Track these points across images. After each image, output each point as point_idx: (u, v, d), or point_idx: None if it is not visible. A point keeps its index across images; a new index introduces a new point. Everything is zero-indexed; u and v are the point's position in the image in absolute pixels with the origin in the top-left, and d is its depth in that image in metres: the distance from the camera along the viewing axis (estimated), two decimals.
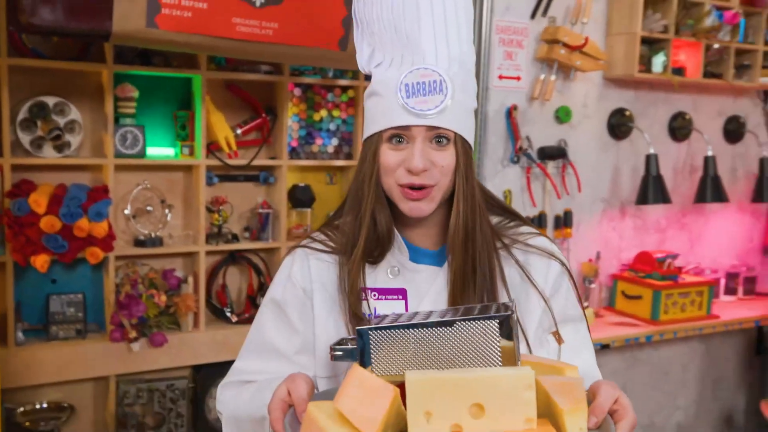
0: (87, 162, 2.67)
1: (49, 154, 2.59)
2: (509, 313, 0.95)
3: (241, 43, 2.14)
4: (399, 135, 1.12)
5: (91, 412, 2.82)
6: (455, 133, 1.12)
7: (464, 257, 1.15)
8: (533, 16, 2.55)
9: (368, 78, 1.19)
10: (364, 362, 0.99)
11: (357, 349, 1.00)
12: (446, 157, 1.12)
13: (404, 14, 1.11)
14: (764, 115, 3.24)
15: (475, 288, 1.16)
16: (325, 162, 3.08)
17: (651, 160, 2.76)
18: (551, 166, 2.66)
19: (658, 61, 2.68)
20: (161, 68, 2.73)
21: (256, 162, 2.95)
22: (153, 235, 2.82)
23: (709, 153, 2.93)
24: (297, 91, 3.00)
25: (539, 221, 2.68)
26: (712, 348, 3.38)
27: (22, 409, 2.65)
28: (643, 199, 2.82)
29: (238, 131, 2.95)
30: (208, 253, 2.92)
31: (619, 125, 2.83)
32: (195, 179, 2.86)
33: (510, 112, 2.54)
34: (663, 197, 2.79)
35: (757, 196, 3.11)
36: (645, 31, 2.62)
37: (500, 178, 2.62)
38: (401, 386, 0.90)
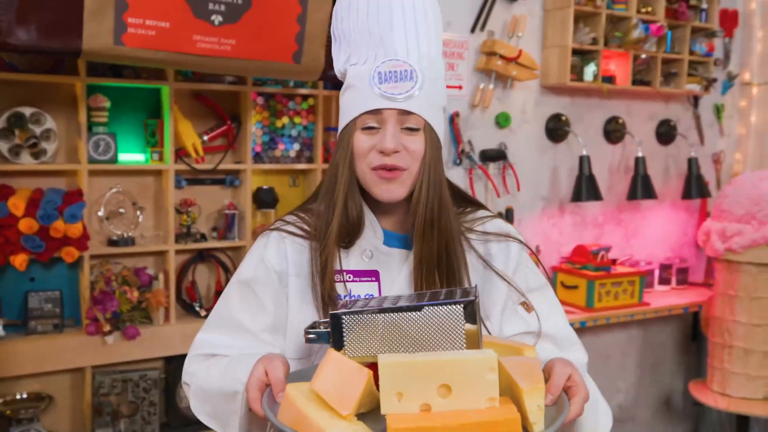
0: (62, 168, 2.86)
1: (26, 161, 2.78)
2: (473, 298, 1.00)
3: (202, 58, 2.35)
4: (371, 120, 1.18)
5: (68, 402, 3.01)
6: (425, 122, 1.17)
7: (429, 243, 1.19)
8: (473, 30, 2.79)
9: (336, 86, 1.39)
10: (337, 345, 1.04)
11: (330, 332, 1.04)
12: (416, 142, 1.17)
13: (378, 18, 1.19)
14: (694, 119, 3.50)
15: (439, 273, 1.20)
16: (287, 166, 3.29)
17: (584, 161, 3.01)
18: (492, 168, 2.89)
19: (589, 71, 2.92)
20: (131, 80, 2.93)
21: (222, 166, 3.16)
22: (125, 235, 3.02)
23: (639, 154, 3.19)
24: (260, 100, 3.21)
25: None
26: (650, 335, 3.63)
27: (2, 399, 2.83)
28: (577, 196, 3.06)
29: (205, 138, 3.15)
30: (178, 251, 3.12)
31: (556, 129, 3.08)
32: (164, 183, 3.06)
33: (453, 119, 2.77)
34: (595, 195, 3.04)
35: (687, 194, 3.37)
36: (576, 43, 2.86)
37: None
38: (372, 366, 0.96)
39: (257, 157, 3.24)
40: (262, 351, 1.16)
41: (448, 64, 2.71)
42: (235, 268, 3.25)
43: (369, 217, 1.26)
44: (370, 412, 0.98)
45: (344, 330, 1.02)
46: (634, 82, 3.08)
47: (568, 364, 1.04)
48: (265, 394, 1.02)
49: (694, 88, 3.27)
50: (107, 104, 2.90)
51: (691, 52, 3.23)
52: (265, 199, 3.28)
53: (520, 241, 1.31)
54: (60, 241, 2.75)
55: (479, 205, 1.35)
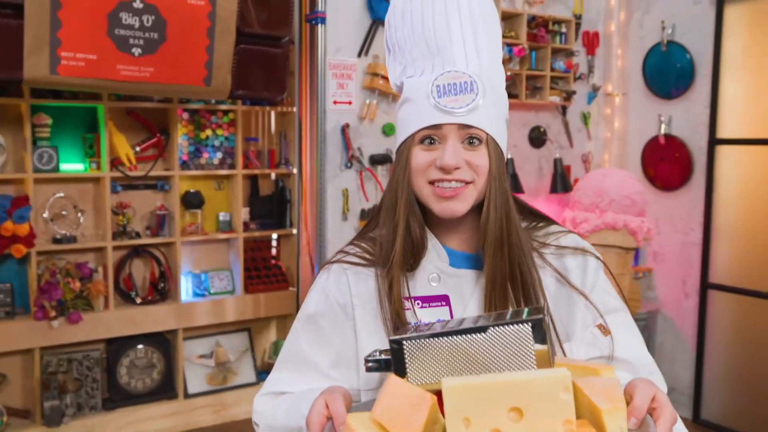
0: (10, 177, 3.32)
1: None
2: (541, 316, 0.93)
3: (125, 83, 2.85)
4: (431, 136, 1.10)
5: (20, 379, 3.46)
6: (487, 135, 1.10)
7: (500, 262, 1.12)
8: (359, 55, 3.32)
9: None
10: (399, 372, 0.97)
11: (391, 359, 0.98)
12: (479, 157, 1.10)
13: (434, 28, 1.13)
14: (563, 125, 4.08)
15: (514, 294, 1.13)
16: (211, 172, 3.79)
17: None
18: (380, 170, 3.42)
19: None
20: (70, 100, 3.40)
21: (153, 173, 3.64)
22: (68, 234, 3.48)
23: (508, 156, 3.75)
24: (185, 115, 3.71)
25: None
26: None
27: None
28: None
29: (137, 148, 3.64)
30: (115, 248, 3.59)
31: None
32: (102, 188, 3.54)
33: (344, 129, 3.29)
34: None
35: (553, 189, 3.95)
36: None
37: (339, 180, 3.37)
38: (438, 394, 0.89)
39: (184, 165, 3.73)
40: (327, 386, 1.10)
41: (338, 84, 3.23)
42: (167, 262, 3.75)
43: (431, 238, 1.18)
44: None
45: (406, 356, 0.97)
46: None
47: (651, 385, 0.95)
48: (326, 427, 0.97)
49: (556, 99, 3.85)
50: (49, 121, 3.37)
51: (553, 69, 3.81)
52: (192, 201, 3.78)
53: (597, 257, 1.21)
54: (9, 239, 3.21)
55: (550, 220, 1.26)
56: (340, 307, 1.18)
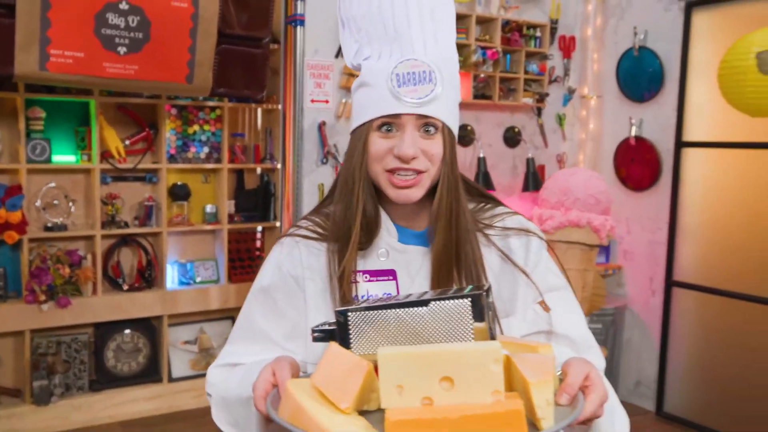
0: (5, 167, 3.50)
1: None
2: (480, 292, 0.95)
3: (111, 80, 3.02)
4: (389, 123, 1.12)
5: (11, 360, 3.64)
6: (443, 123, 1.13)
7: (447, 242, 1.16)
8: (337, 56, 3.48)
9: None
10: (344, 343, 1.00)
11: (336, 330, 1.01)
12: (434, 146, 1.12)
13: (393, 10, 1.13)
14: (538, 126, 4.23)
15: (458, 272, 1.16)
16: (198, 165, 3.96)
17: None
18: None
19: None
20: (63, 95, 3.58)
21: (141, 166, 3.82)
22: (59, 222, 3.66)
23: (481, 155, 3.90)
24: (173, 111, 3.88)
25: None
26: None
27: None
28: None
29: (127, 142, 3.81)
30: (104, 236, 3.77)
31: None
32: (92, 179, 3.71)
33: (320, 127, 3.45)
34: None
35: (525, 187, 4.09)
36: None
37: (315, 174, 3.53)
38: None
39: (172, 158, 3.90)
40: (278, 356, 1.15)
41: (316, 83, 3.39)
42: (154, 251, 3.93)
43: (382, 216, 1.21)
44: (377, 411, 0.94)
45: (350, 327, 0.99)
46: (477, 97, 3.79)
47: (586, 363, 0.99)
48: (271, 394, 1.00)
49: (528, 101, 4.00)
50: (43, 115, 3.55)
51: (526, 72, 3.95)
52: (179, 193, 3.95)
53: (541, 238, 1.26)
54: (2, 226, 3.39)
55: (498, 202, 1.30)
56: (293, 279, 1.21)
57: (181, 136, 3.93)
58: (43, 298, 3.51)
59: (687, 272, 3.92)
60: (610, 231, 3.59)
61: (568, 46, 4.24)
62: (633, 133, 4.10)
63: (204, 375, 4.13)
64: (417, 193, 1.14)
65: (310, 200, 3.54)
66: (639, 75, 4.07)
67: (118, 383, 3.83)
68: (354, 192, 1.16)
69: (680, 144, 3.88)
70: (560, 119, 4.30)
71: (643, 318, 4.15)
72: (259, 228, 4.23)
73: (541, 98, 4.03)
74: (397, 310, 0.98)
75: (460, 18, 3.79)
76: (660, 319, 4.03)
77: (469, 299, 0.96)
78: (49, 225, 3.63)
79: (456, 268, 1.17)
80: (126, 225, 3.83)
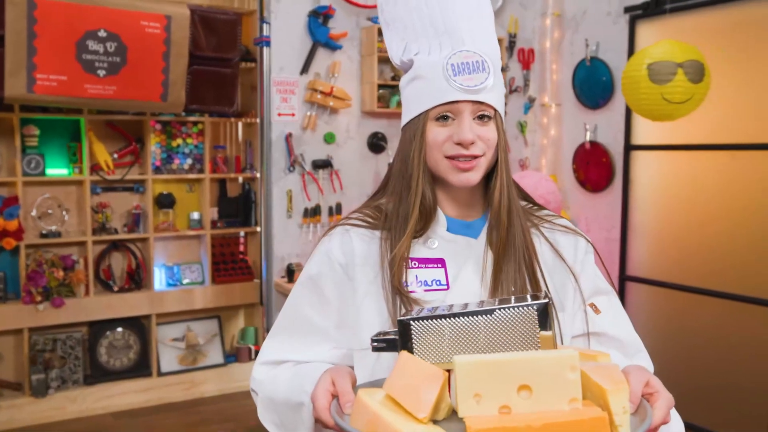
0: (3, 180, 3.85)
1: None
2: (546, 301, 0.95)
3: (92, 100, 3.36)
4: (446, 112, 1.14)
5: (11, 355, 3.98)
6: (495, 111, 1.15)
7: (507, 228, 1.17)
8: (302, 73, 3.80)
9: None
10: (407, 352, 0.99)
11: (396, 339, 1.00)
12: (490, 131, 1.14)
13: (439, 7, 1.17)
14: None
15: (515, 260, 1.17)
16: (182, 176, 4.30)
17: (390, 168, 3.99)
18: (322, 173, 3.88)
19: (394, 100, 3.94)
20: (55, 113, 3.93)
21: (129, 177, 4.16)
22: (54, 230, 4.01)
23: None
24: (158, 126, 4.22)
25: (315, 211, 3.92)
26: None
27: None
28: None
29: (115, 155, 4.16)
30: (95, 242, 4.11)
31: (376, 143, 4.08)
32: (83, 190, 4.06)
33: (287, 138, 3.76)
34: None
35: None
36: (380, 80, 3.88)
37: (283, 182, 3.84)
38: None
39: (157, 170, 4.24)
40: (329, 362, 1.17)
41: (282, 98, 3.70)
42: (142, 255, 4.26)
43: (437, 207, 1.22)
44: (450, 420, 0.93)
45: (413, 336, 0.98)
46: None
47: (644, 371, 1.00)
48: (332, 404, 0.99)
49: None
50: (37, 132, 3.91)
51: None
52: (164, 202, 4.28)
53: (588, 241, 1.28)
54: (0, 233, 3.74)
55: (541, 206, 1.33)
56: (341, 267, 1.20)
57: (165, 149, 4.26)
58: (39, 299, 3.86)
59: (638, 267, 4.17)
60: None
61: (527, 58, 4.52)
62: (588, 138, 4.36)
63: (191, 370, 4.51)
64: (476, 176, 1.15)
65: (279, 204, 3.85)
66: (593, 83, 4.34)
67: (111, 377, 4.15)
68: (413, 180, 1.17)
69: (629, 147, 4.14)
70: (522, 126, 4.57)
71: None
72: (242, 233, 4.55)
73: None
74: (461, 318, 0.97)
75: None
76: None
77: (536, 308, 0.95)
78: (44, 232, 3.98)
79: (513, 258, 1.17)
80: (116, 231, 4.17)
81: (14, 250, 3.87)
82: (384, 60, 3.94)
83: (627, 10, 4.08)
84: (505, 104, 4.33)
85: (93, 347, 4.13)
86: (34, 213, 3.97)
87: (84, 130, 3.99)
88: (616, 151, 4.23)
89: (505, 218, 1.18)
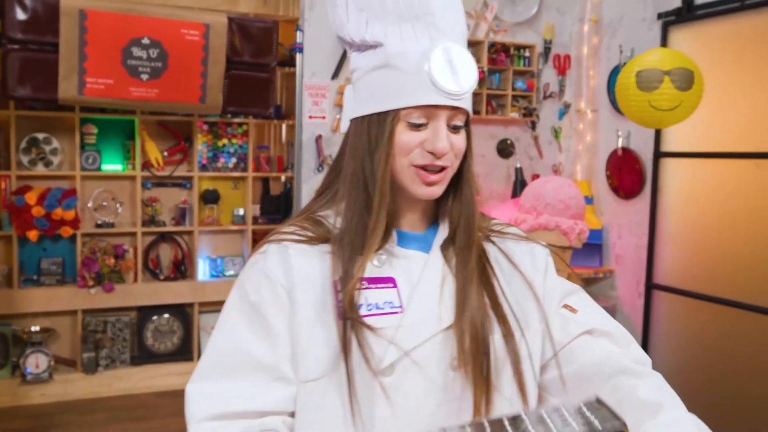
0: (63, 174, 4.23)
1: (39, 169, 4.17)
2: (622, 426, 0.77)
3: (136, 102, 3.66)
4: (420, 115, 0.99)
5: (66, 334, 4.36)
6: (467, 116, 1.03)
7: (467, 241, 1.05)
8: (333, 77, 4.00)
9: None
10: None
11: None
12: (461, 140, 1.02)
13: None
14: (533, 138, 4.56)
15: (476, 278, 1.05)
16: (226, 174, 4.58)
17: None
18: None
19: None
20: (111, 114, 4.28)
21: (177, 173, 4.47)
22: (107, 221, 4.36)
23: None
24: (205, 127, 4.52)
25: None
26: None
27: (22, 329, 4.20)
28: None
29: (165, 153, 4.48)
30: (145, 233, 4.44)
31: None
32: (135, 185, 4.40)
33: (317, 139, 3.97)
34: None
35: (514, 194, 4.44)
36: None
37: (313, 181, 4.04)
38: None
39: (203, 168, 4.53)
40: (285, 410, 1.00)
41: (314, 102, 3.92)
42: (188, 246, 4.56)
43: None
44: None
45: None
46: None
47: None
48: None
49: (516, 115, 4.35)
50: (95, 130, 4.27)
51: (514, 89, 4.31)
52: (209, 197, 4.57)
53: (543, 246, 1.18)
54: (59, 222, 4.11)
55: (488, 216, 1.20)
56: (284, 290, 1.01)
57: (211, 148, 4.55)
58: (91, 283, 4.21)
59: (666, 275, 4.15)
60: (580, 234, 3.89)
61: (563, 64, 4.57)
62: (620, 145, 4.37)
63: None
64: (441, 189, 1.04)
65: None
66: None
67: (155, 359, 4.47)
68: (377, 190, 1.01)
69: (658, 154, 4.13)
70: (556, 132, 4.62)
71: (631, 319, 4.40)
72: None
73: (529, 112, 4.38)
74: None
75: None
76: (642, 320, 4.27)
77: None
78: (99, 223, 4.33)
79: (474, 271, 1.05)
80: (164, 224, 4.49)
81: (72, 238, 4.24)
82: None
83: (660, 15, 4.08)
84: (535, 110, 4.45)
85: (140, 330, 4.46)
86: (90, 205, 4.33)
87: (137, 129, 4.32)
88: (647, 157, 4.23)
89: (468, 234, 1.06)
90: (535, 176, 4.63)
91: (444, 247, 1.06)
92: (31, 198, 4.04)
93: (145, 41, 3.59)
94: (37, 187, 4.15)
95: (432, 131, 1.00)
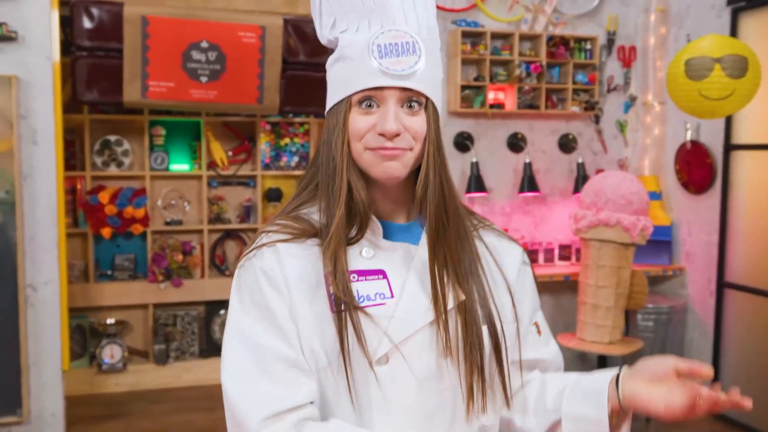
0: (134, 174, 4.44)
1: (112, 170, 4.39)
2: None
3: (196, 104, 3.80)
4: (369, 98, 1.02)
5: (138, 327, 4.57)
6: (427, 98, 1.03)
7: (441, 229, 1.05)
8: None
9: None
10: None
11: None
12: (418, 122, 1.02)
13: None
14: (596, 132, 4.42)
15: (455, 265, 1.05)
16: (288, 172, 4.68)
17: (473, 166, 4.08)
18: None
19: (478, 100, 4.02)
20: (178, 116, 4.46)
21: (241, 172, 4.61)
22: (176, 219, 4.54)
23: (527, 160, 4.19)
24: (267, 127, 4.63)
25: None
26: (562, 300, 4.52)
27: (98, 321, 4.43)
28: (468, 190, 4.13)
29: (230, 153, 4.62)
30: (211, 231, 4.60)
31: (462, 143, 4.18)
32: (202, 184, 4.56)
33: None
34: (480, 189, 4.08)
35: (575, 190, 4.30)
36: (464, 81, 3.98)
37: None
38: None
39: (266, 166, 4.65)
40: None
41: None
42: (252, 243, 4.68)
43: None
44: None
45: None
46: (527, 107, 4.12)
47: None
48: None
49: (576, 109, 4.23)
50: (163, 132, 4.45)
51: (575, 83, 4.19)
52: (272, 195, 4.69)
53: (522, 249, 1.19)
54: (130, 220, 4.31)
55: (473, 212, 1.21)
56: (286, 286, 1.03)
57: (274, 148, 4.67)
58: (161, 278, 4.40)
59: (738, 274, 3.95)
60: (643, 230, 3.76)
61: (628, 56, 4.42)
62: (689, 138, 4.19)
63: None
64: (400, 167, 1.03)
65: None
66: None
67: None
68: (337, 174, 1.04)
69: (729, 147, 3.94)
70: (621, 126, 4.48)
71: (702, 319, 4.21)
72: None
73: (590, 106, 4.26)
74: None
75: (505, 36, 4.17)
76: (713, 320, 4.08)
77: None
78: (168, 220, 4.52)
79: (451, 261, 1.06)
80: (229, 221, 4.63)
81: (143, 235, 4.44)
82: (467, 62, 4.05)
83: (730, 2, 3.89)
84: (598, 103, 4.30)
85: (208, 324, 4.62)
86: (159, 203, 4.52)
87: (203, 130, 4.48)
88: (717, 150, 4.04)
89: (439, 218, 1.05)
90: (599, 171, 4.50)
91: (431, 238, 1.06)
92: (104, 197, 4.25)
93: (204, 45, 3.72)
94: (109, 187, 4.36)
95: (382, 113, 1.02)
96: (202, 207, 4.57)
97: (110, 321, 4.41)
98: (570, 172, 4.43)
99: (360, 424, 1.03)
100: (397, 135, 1.01)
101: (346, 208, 1.04)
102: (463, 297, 1.05)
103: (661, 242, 4.40)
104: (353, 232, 1.05)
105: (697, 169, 4.19)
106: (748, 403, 0.99)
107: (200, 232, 4.61)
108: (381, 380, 1.01)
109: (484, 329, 1.06)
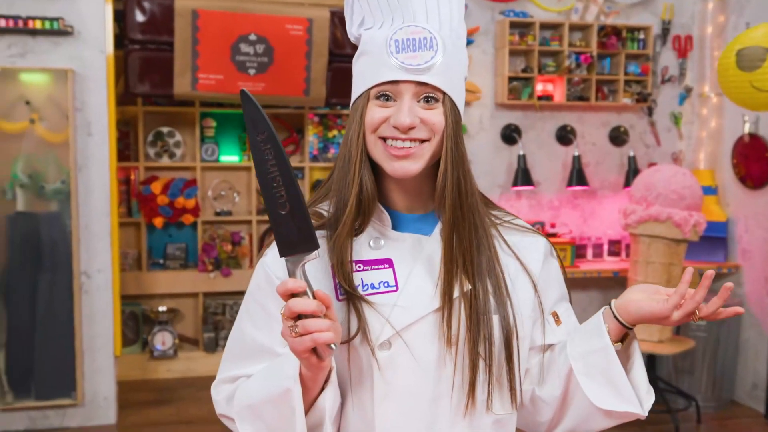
0: (185, 165, 4.53)
1: (164, 161, 4.49)
2: None
3: None
4: (386, 92, 1.04)
5: (189, 314, 4.67)
6: (444, 94, 1.04)
7: (459, 223, 1.06)
8: None
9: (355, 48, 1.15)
10: None
11: None
12: (435, 115, 1.04)
13: None
14: (649, 125, 4.30)
15: (470, 258, 1.07)
16: None
17: (520, 159, 4.00)
18: None
19: (526, 92, 3.95)
20: (229, 108, 4.53)
21: None
22: (225, 209, 4.62)
23: (576, 153, 4.10)
24: (315, 119, 4.67)
25: None
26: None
27: (150, 308, 4.55)
28: (514, 183, 4.07)
29: None
30: (259, 221, 4.66)
31: (509, 135, 4.12)
32: (251, 175, 4.62)
33: None
34: (527, 182, 4.01)
35: (626, 183, 4.19)
36: (511, 72, 3.92)
37: None
38: None
39: (314, 158, 4.69)
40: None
41: None
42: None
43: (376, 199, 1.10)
44: None
45: None
46: (575, 98, 4.03)
47: None
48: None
49: (628, 101, 4.12)
50: (214, 124, 4.53)
51: (627, 74, 4.08)
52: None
53: (547, 240, 1.20)
54: (181, 210, 4.40)
55: (497, 206, 1.22)
56: (279, 280, 1.05)
57: (322, 140, 4.70)
58: (210, 268, 4.49)
59: None
60: (696, 226, 3.65)
61: (683, 46, 4.30)
62: (747, 131, 4.05)
63: None
64: (414, 165, 1.05)
65: None
66: None
67: None
68: (351, 165, 1.06)
69: None
70: (676, 118, 4.35)
71: (759, 318, 4.07)
72: None
73: (643, 98, 4.16)
74: None
75: (554, 26, 4.09)
76: None
77: None
78: (218, 211, 4.60)
79: (467, 256, 1.07)
80: None
81: (193, 225, 4.53)
82: (515, 53, 4.00)
83: None
84: (651, 95, 4.17)
85: None
86: (210, 194, 4.61)
87: None
88: None
89: (456, 212, 1.06)
90: (651, 165, 4.39)
91: (445, 230, 1.07)
92: (156, 188, 4.36)
93: (252, 37, 3.77)
94: (162, 178, 4.47)
95: (397, 107, 1.04)
96: (251, 198, 4.63)
97: (162, 309, 4.51)
98: (621, 165, 4.33)
99: (362, 409, 1.07)
100: (412, 128, 1.03)
101: (356, 200, 1.06)
102: (469, 287, 1.06)
103: (715, 239, 4.26)
104: (358, 223, 1.08)
105: (755, 163, 4.04)
106: (740, 309, 1.07)
107: (249, 222, 4.67)
108: (382, 365, 1.04)
109: (495, 319, 1.06)
